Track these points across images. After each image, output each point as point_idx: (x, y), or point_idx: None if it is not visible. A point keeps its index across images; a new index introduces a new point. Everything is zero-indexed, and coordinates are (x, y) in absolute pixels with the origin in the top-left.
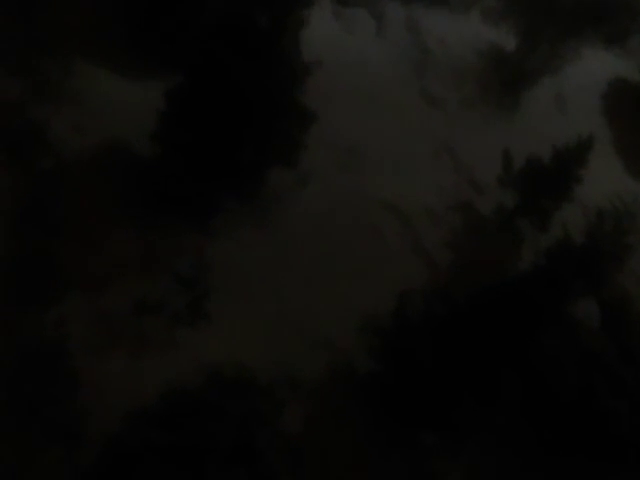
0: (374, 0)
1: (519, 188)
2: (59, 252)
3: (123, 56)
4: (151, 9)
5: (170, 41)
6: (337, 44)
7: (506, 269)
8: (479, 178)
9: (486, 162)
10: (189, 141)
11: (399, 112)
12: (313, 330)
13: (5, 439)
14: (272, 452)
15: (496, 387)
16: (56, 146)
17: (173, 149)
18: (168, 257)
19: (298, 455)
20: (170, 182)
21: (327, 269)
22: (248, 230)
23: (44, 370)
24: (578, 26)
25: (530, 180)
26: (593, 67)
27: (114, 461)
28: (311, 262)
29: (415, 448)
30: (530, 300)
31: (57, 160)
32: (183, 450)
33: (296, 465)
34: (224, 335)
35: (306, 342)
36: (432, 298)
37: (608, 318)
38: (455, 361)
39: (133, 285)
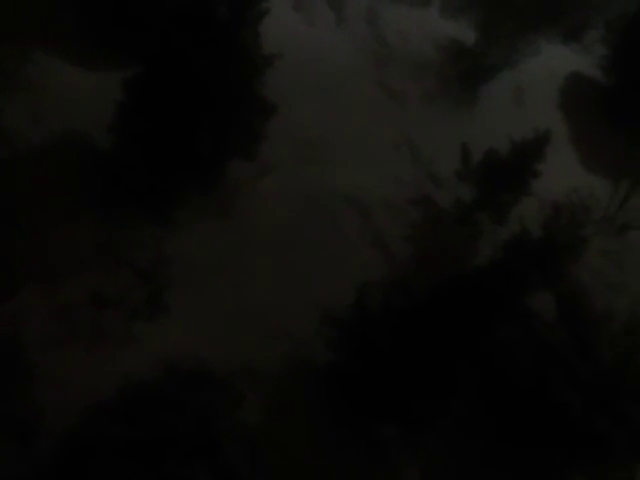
0: None
1: (477, 182)
2: (14, 244)
3: (81, 46)
4: None
5: (129, 31)
6: (297, 36)
7: (464, 262)
8: (438, 171)
9: (445, 155)
10: (148, 132)
11: (359, 105)
12: (273, 322)
13: None
14: (231, 444)
15: (454, 379)
16: (11, 136)
17: (132, 140)
18: (127, 250)
19: (257, 447)
20: (129, 174)
21: (286, 261)
22: (207, 222)
23: (0, 365)
24: (536, 21)
25: (488, 174)
26: (551, 62)
27: (71, 456)
28: (270, 254)
29: (374, 440)
30: (487, 293)
31: (12, 150)
32: (141, 444)
33: (255, 457)
34: (183, 328)
35: (265, 334)
36: (391, 290)
37: (564, 310)
38: (414, 353)
39: (91, 278)
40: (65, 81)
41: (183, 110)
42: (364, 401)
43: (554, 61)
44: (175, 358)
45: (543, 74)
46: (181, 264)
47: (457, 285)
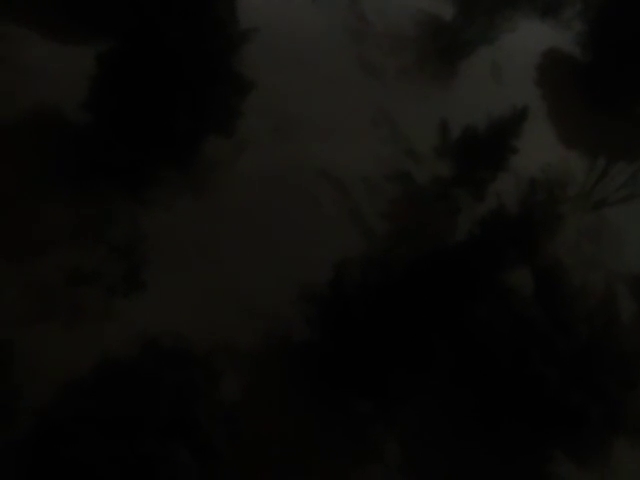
0: None
1: (455, 158)
2: None
3: (55, 20)
4: None
5: (103, 4)
6: (274, 11)
7: (442, 238)
8: (416, 148)
9: (423, 132)
10: (122, 108)
11: (337, 80)
12: (250, 299)
13: None
14: (209, 422)
15: (431, 354)
16: None
17: (106, 116)
18: (103, 227)
19: (235, 425)
20: (103, 150)
21: (264, 238)
22: (184, 199)
23: None
24: None
25: (466, 150)
26: (528, 38)
27: (48, 434)
28: (248, 231)
29: (351, 416)
30: (465, 269)
31: None
32: (119, 422)
33: (233, 435)
34: (160, 305)
35: (243, 311)
36: (369, 267)
37: (540, 286)
38: (391, 329)
39: (67, 255)
40: (39, 56)
41: (158, 86)
42: (342, 377)
43: (532, 37)
44: (153, 335)
45: (521, 50)
46: (158, 241)
47: (435, 261)
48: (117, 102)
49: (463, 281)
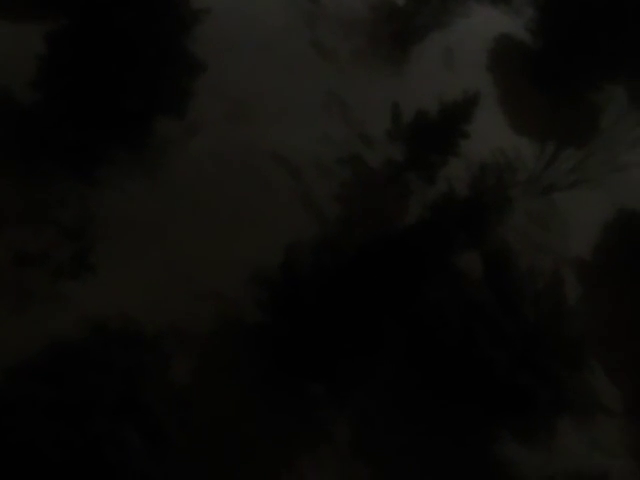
0: None
1: (407, 142)
2: None
3: None
4: None
5: None
6: None
7: (394, 222)
8: (369, 131)
9: (376, 115)
10: (72, 88)
11: (289, 63)
12: (201, 281)
13: None
14: (159, 405)
15: (382, 337)
16: None
17: (55, 96)
18: (51, 208)
19: (186, 407)
20: (53, 130)
21: (215, 220)
22: (135, 180)
23: None
24: None
25: (418, 134)
26: (481, 23)
27: None
28: (199, 213)
29: (302, 398)
30: (416, 252)
31: None
32: (67, 404)
33: (184, 417)
34: (109, 287)
35: (194, 294)
36: (320, 250)
37: (489, 270)
38: (342, 312)
39: (14, 237)
40: None
41: (108, 65)
42: (293, 360)
43: (484, 23)
44: (102, 318)
45: (473, 36)
46: (108, 223)
47: (386, 245)
48: (67, 81)
49: (413, 264)
